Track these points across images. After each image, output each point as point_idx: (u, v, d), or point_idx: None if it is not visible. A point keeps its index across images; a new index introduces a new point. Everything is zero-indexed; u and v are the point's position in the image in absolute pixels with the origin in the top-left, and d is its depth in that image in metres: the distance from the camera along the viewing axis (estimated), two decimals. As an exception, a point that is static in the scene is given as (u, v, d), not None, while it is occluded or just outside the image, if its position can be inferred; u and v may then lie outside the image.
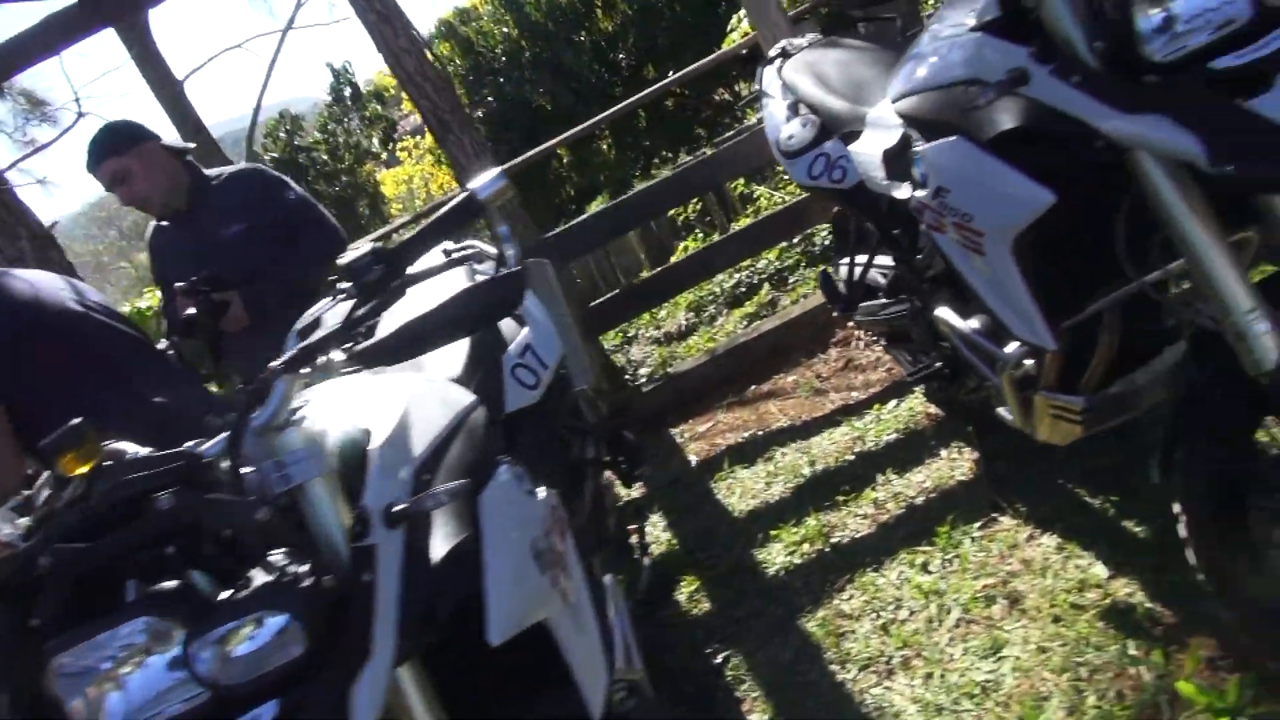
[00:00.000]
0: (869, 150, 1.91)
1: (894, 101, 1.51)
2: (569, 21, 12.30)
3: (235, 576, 0.97)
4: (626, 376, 3.95)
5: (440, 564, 1.07)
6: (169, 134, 2.86)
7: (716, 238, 5.11)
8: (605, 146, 14.71)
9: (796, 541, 2.39)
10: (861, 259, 2.26)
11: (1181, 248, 1.18)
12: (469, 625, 1.09)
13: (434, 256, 2.29)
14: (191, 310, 2.43)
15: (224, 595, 0.95)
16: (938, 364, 2.01)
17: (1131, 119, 1.10)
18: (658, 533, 2.80)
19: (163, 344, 2.49)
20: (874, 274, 2.26)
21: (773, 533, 2.46)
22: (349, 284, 1.08)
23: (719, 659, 2.13)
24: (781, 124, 2.23)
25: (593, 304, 3.42)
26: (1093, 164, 1.21)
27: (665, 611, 2.40)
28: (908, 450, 2.52)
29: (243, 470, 1.09)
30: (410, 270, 2.33)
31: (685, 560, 2.56)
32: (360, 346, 1.05)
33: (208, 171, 2.67)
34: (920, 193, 1.48)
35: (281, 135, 15.61)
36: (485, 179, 1.11)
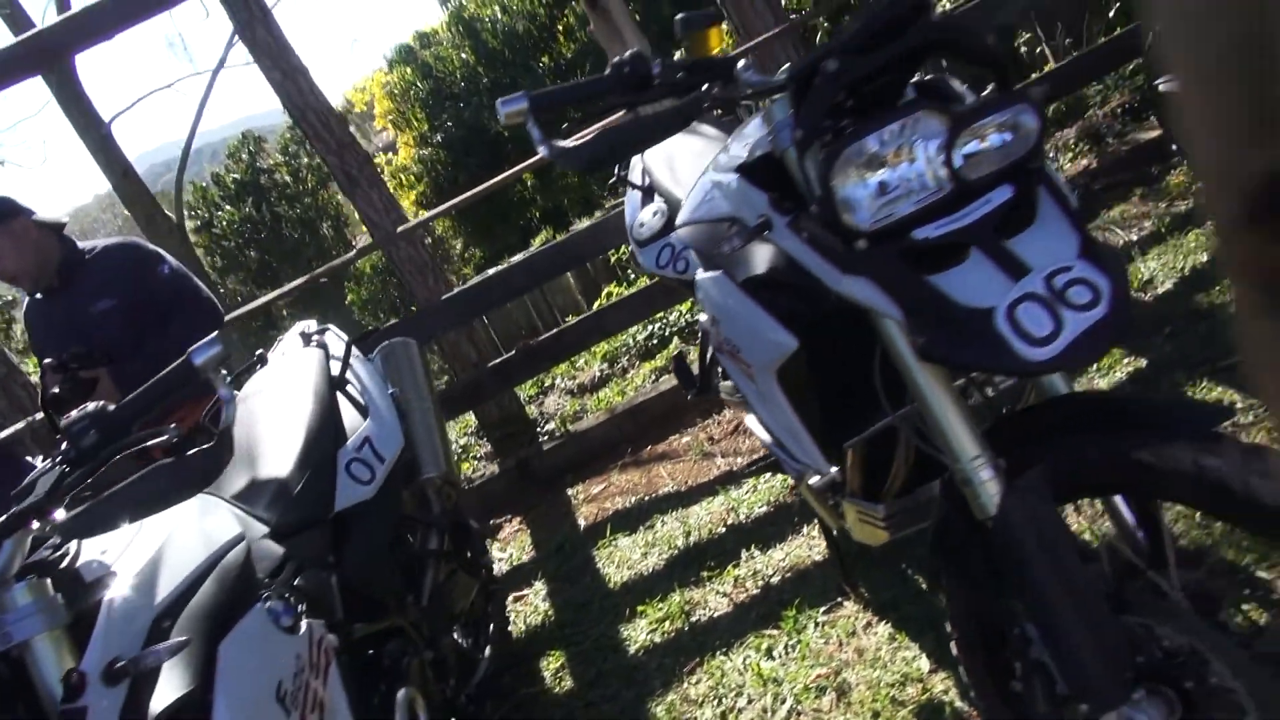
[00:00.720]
0: (702, 248, 1.93)
1: (677, 227, 1.54)
2: (526, 48, 12.35)
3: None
4: (538, 429, 3.97)
5: (159, 721, 1.07)
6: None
7: (646, 281, 5.14)
8: (569, 169, 14.74)
9: (660, 619, 2.41)
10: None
11: (914, 393, 1.21)
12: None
13: (291, 338, 2.30)
14: (56, 389, 2.43)
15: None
16: (773, 457, 2.03)
17: (848, 279, 1.13)
18: (538, 602, 2.81)
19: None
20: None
21: (639, 608, 2.48)
22: (66, 446, 1.09)
23: (569, 744, 2.15)
24: (637, 209, 2.26)
25: (490, 364, 3.44)
26: (839, 308, 1.24)
27: (531, 689, 2.41)
28: (774, 525, 2.55)
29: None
30: (270, 353, 2.35)
31: (555, 635, 2.57)
32: (70, 514, 1.06)
33: (81, 245, 2.67)
34: (703, 317, 1.51)
35: (244, 157, 15.56)
36: (202, 344, 1.13)
